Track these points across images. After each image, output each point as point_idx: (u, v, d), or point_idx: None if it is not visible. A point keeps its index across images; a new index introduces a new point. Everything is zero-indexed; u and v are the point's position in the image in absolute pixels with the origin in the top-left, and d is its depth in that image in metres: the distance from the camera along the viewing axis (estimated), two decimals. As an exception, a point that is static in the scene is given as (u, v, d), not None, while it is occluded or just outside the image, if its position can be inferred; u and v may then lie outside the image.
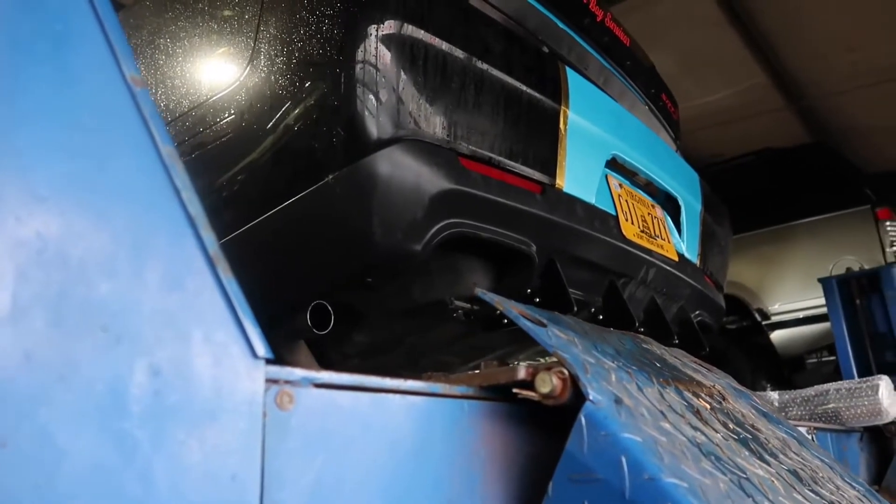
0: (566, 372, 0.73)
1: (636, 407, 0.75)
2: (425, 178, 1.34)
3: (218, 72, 1.53)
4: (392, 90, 1.32)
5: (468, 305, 1.66)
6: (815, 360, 4.49)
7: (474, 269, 1.60)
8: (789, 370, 4.63)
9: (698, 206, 2.28)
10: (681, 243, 2.14)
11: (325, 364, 1.81)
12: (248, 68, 1.46)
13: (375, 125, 1.31)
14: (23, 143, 0.40)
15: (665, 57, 6.07)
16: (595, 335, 1.03)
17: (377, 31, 1.31)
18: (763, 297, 4.64)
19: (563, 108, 1.64)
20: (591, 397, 0.70)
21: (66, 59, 0.43)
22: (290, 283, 1.51)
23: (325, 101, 1.33)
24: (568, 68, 1.72)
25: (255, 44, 1.46)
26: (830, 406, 1.95)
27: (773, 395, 2.10)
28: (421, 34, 1.36)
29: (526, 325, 0.89)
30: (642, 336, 1.49)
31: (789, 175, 4.97)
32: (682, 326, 2.17)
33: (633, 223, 1.85)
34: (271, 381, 0.52)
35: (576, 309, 1.56)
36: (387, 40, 1.31)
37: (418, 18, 1.37)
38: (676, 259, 2.03)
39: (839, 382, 2.08)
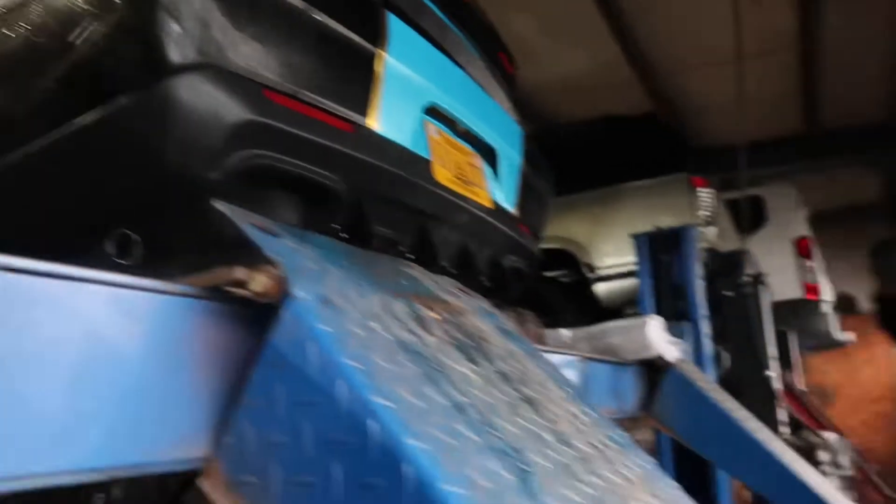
0: (279, 274, 0.79)
1: (345, 307, 0.83)
2: (225, 107, 1.34)
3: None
4: (194, 14, 1.29)
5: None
6: (632, 312, 4.92)
7: (284, 202, 1.61)
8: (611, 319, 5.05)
9: (518, 159, 2.41)
10: (497, 192, 2.26)
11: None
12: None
13: (175, 49, 1.28)
14: None
15: (527, 21, 6.25)
16: (343, 251, 1.09)
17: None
18: (592, 253, 5.01)
19: (380, 51, 1.67)
20: (295, 293, 0.77)
21: None
22: (87, 206, 1.45)
23: (125, 22, 1.29)
24: (391, 14, 1.75)
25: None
26: (611, 341, 2.18)
27: (566, 333, 2.31)
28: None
29: (253, 234, 0.94)
30: (414, 265, 1.58)
31: (623, 142, 5.34)
32: (493, 270, 2.31)
33: (447, 168, 1.94)
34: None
35: (377, 245, 1.62)
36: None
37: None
38: (491, 206, 2.14)
39: (618, 321, 2.33)
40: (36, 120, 1.35)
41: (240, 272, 0.79)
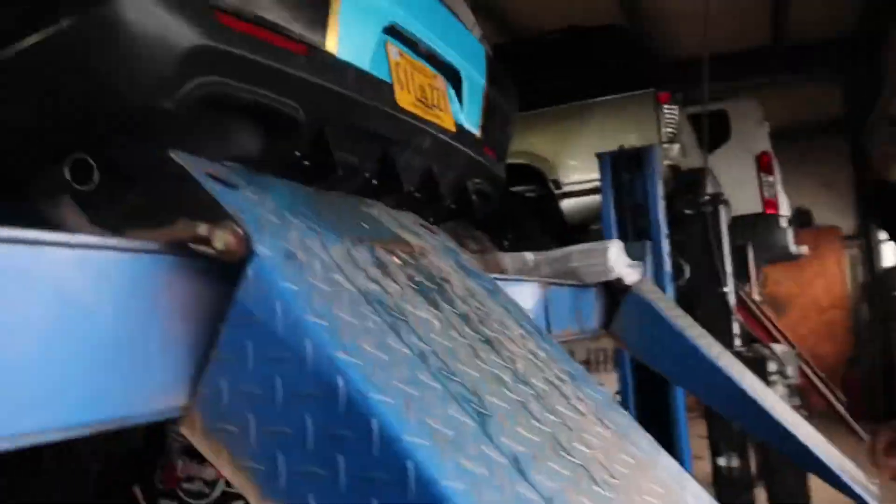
0: (241, 231, 0.79)
1: (309, 261, 0.84)
2: (175, 31, 1.28)
3: None
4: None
5: (239, 167, 1.66)
6: (597, 228, 5.01)
7: (242, 129, 1.58)
8: (575, 235, 5.14)
9: (482, 80, 2.38)
10: (460, 114, 2.24)
11: (100, 224, 1.75)
12: None
13: (116, -33, 1.21)
14: None
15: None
16: (303, 197, 1.10)
17: None
18: (557, 169, 5.02)
19: (336, -31, 1.60)
20: (258, 251, 0.78)
21: None
22: (40, 131, 1.41)
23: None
24: (346, -74, 1.67)
25: None
26: (573, 265, 2.24)
27: (529, 256, 2.36)
28: None
29: (210, 186, 0.93)
30: (376, 203, 1.59)
31: (590, 55, 5.26)
32: (458, 193, 2.33)
33: (409, 92, 1.91)
34: None
35: (341, 172, 1.62)
36: None
37: None
38: (454, 130, 2.13)
39: (580, 245, 2.39)
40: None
41: (202, 228, 0.79)
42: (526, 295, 1.84)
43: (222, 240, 0.79)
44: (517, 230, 4.82)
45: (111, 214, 1.80)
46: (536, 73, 5.00)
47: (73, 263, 0.66)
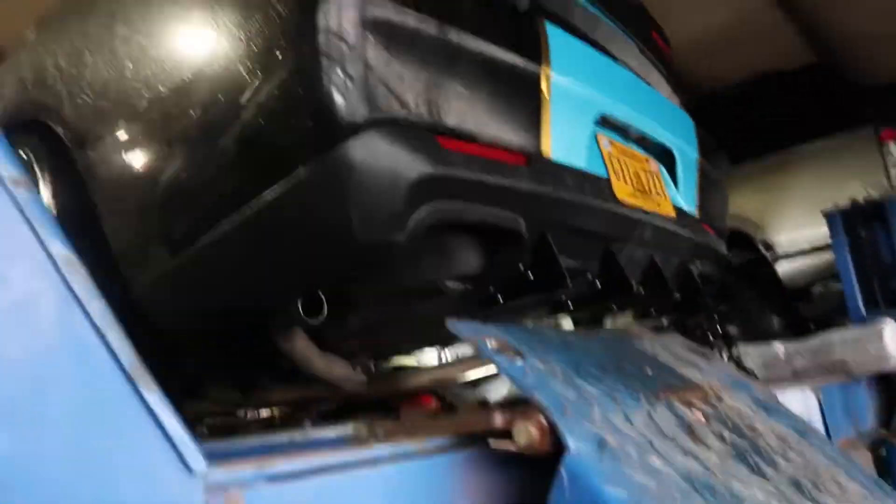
0: (544, 420, 0.69)
1: (622, 445, 0.71)
2: (402, 164, 1.27)
3: (177, 63, 1.44)
4: (357, 73, 1.24)
5: (461, 286, 1.61)
6: (821, 290, 4.47)
7: (463, 247, 1.54)
8: (796, 301, 4.61)
9: (694, 154, 2.20)
10: (677, 196, 2.07)
11: (324, 345, 1.79)
12: (207, 57, 1.37)
13: (343, 110, 1.23)
14: None
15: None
16: (579, 348, 0.99)
17: (338, 9, 1.22)
18: (767, 229, 4.57)
19: (544, 69, 1.55)
20: (570, 448, 0.66)
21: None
22: (275, 278, 1.46)
23: (288, 92, 1.26)
24: (548, 23, 1.62)
25: (213, 30, 1.37)
26: (836, 357, 1.92)
27: (779, 348, 2.07)
28: (387, 7, 1.27)
29: (502, 364, 0.85)
30: (636, 330, 1.45)
31: (789, 99, 4.83)
32: (683, 280, 2.13)
33: (626, 182, 1.79)
34: (215, 488, 0.48)
35: (570, 283, 1.51)
36: (349, 21, 1.22)
37: (382, -8, 1.27)
38: (674, 214, 1.97)
39: (843, 331, 2.05)
40: (227, 199, 1.36)
41: (498, 419, 0.71)
42: (796, 401, 1.58)
43: (525, 434, 0.69)
44: (731, 302, 4.40)
45: (335, 337, 1.84)
46: (727, 128, 4.67)
47: (371, 482, 0.60)
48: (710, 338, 3.25)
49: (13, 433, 0.37)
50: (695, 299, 2.18)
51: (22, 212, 0.41)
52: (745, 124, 4.87)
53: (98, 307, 0.43)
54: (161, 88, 1.45)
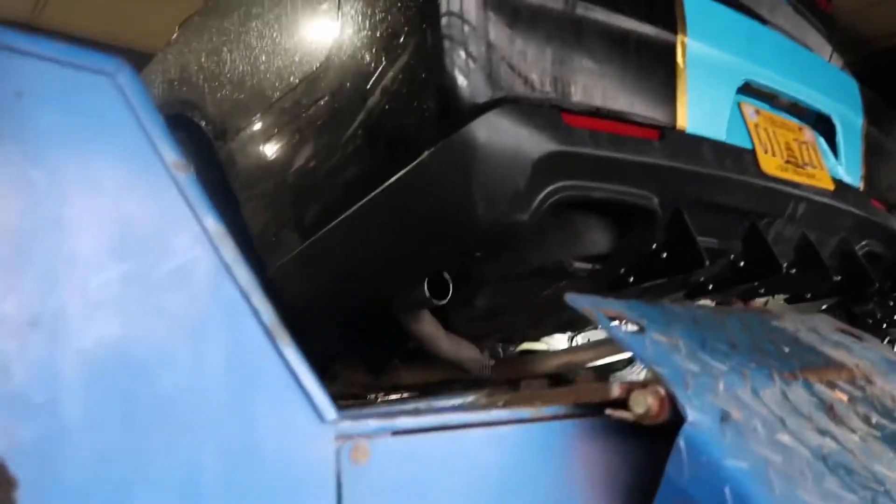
0: (662, 390, 0.71)
1: (748, 420, 0.72)
2: (525, 143, 1.31)
3: (306, 54, 1.56)
4: (479, 53, 1.29)
5: (589, 266, 1.63)
6: None
7: (592, 226, 1.56)
8: None
9: (859, 121, 2.07)
10: (838, 167, 1.96)
11: (451, 328, 1.87)
12: (333, 48, 1.48)
13: (466, 92, 1.29)
14: (77, 250, 0.45)
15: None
16: (709, 324, 0.99)
17: (459, -10, 1.28)
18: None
19: (679, 37, 1.53)
20: (689, 419, 0.68)
21: (105, 155, 0.47)
22: (401, 260, 1.55)
23: (411, 75, 1.33)
24: (683, -13, 1.59)
25: (339, 20, 1.48)
26: None
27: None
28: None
29: (620, 336, 0.87)
30: (778, 310, 1.40)
31: None
32: (844, 261, 2.01)
33: (774, 155, 1.72)
34: (344, 437, 0.55)
35: (707, 263, 1.49)
36: (470, 3, 1.27)
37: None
38: (832, 188, 1.86)
39: None
40: (355, 184, 1.47)
41: (615, 389, 0.75)
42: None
43: (642, 403, 0.73)
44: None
45: (461, 320, 1.91)
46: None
47: (487, 442, 0.66)
48: (884, 326, 3.03)
49: (176, 377, 0.47)
50: (860, 282, 2.05)
51: (181, 191, 0.51)
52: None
53: (243, 272, 0.52)
54: (292, 79, 1.58)
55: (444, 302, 1.56)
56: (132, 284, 0.47)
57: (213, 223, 0.51)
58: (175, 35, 2.17)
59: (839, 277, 1.99)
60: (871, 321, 3.59)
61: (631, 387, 0.74)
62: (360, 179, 1.47)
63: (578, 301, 1.02)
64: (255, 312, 0.52)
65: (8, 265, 0.42)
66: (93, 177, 0.47)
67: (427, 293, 1.52)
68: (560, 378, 1.87)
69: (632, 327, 0.90)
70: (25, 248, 0.43)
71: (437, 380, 2.09)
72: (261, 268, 1.71)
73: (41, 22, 5.27)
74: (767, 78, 1.73)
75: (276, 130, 1.63)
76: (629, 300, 1.11)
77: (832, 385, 0.93)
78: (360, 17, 1.43)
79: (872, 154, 2.10)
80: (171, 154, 0.51)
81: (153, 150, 0.49)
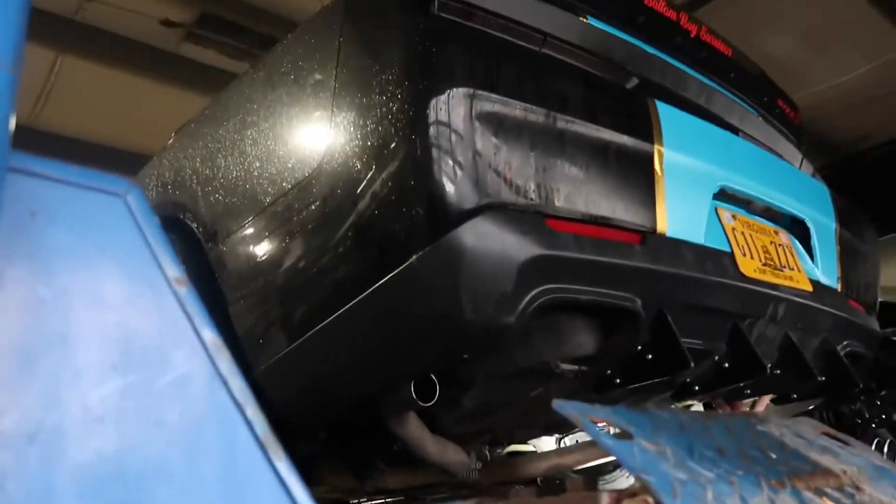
0: (651, 500, 0.71)
1: None
2: (511, 247, 1.35)
3: (299, 161, 1.62)
4: (466, 162, 1.35)
5: (575, 367, 1.65)
6: None
7: (577, 328, 1.59)
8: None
9: (832, 224, 2.14)
10: (815, 269, 2.01)
11: (438, 430, 1.85)
12: (325, 155, 1.54)
13: (453, 198, 1.34)
14: (81, 365, 0.46)
15: (787, 39, 5.75)
16: (696, 430, 1.00)
17: (447, 104, 1.35)
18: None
19: (656, 147, 1.61)
20: None
21: (112, 272, 0.50)
22: (388, 362, 1.56)
23: (400, 182, 1.38)
24: (658, 102, 1.68)
25: (331, 129, 1.55)
26: None
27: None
28: (493, 99, 1.38)
29: (607, 443, 0.88)
30: (756, 415, 1.42)
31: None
32: (827, 361, 2.03)
33: (752, 257, 1.77)
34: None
35: (692, 364, 1.50)
36: (457, 114, 1.34)
37: (489, 84, 1.39)
38: (810, 289, 1.91)
39: None
40: (344, 286, 1.49)
41: (605, 500, 0.75)
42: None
43: None
44: (891, 384, 4.06)
45: (448, 422, 1.90)
46: (875, 193, 4.44)
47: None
48: (872, 426, 3.02)
49: (171, 489, 0.47)
50: (845, 382, 2.07)
51: (182, 305, 0.53)
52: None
53: (238, 384, 0.53)
54: (284, 184, 1.63)
55: (431, 404, 1.56)
56: (132, 397, 0.48)
57: (210, 335, 0.53)
58: (171, 140, 2.24)
59: (823, 378, 2.01)
60: (859, 421, 3.58)
61: (620, 496, 0.74)
62: (348, 281, 1.49)
63: (566, 407, 1.03)
64: (249, 424, 0.53)
65: (12, 381, 0.44)
66: (99, 292, 0.49)
67: (414, 395, 1.52)
68: (549, 482, 1.84)
69: (619, 435, 0.91)
70: (30, 364, 0.44)
71: (423, 483, 2.04)
72: (246, 369, 1.71)
73: (39, 123, 5.40)
74: (741, 184, 1.81)
75: (267, 233, 1.67)
76: (616, 406, 1.12)
77: (820, 492, 0.93)
78: (351, 127, 1.50)
79: (847, 256, 2.17)
80: (173, 269, 0.54)
81: (157, 266, 0.52)
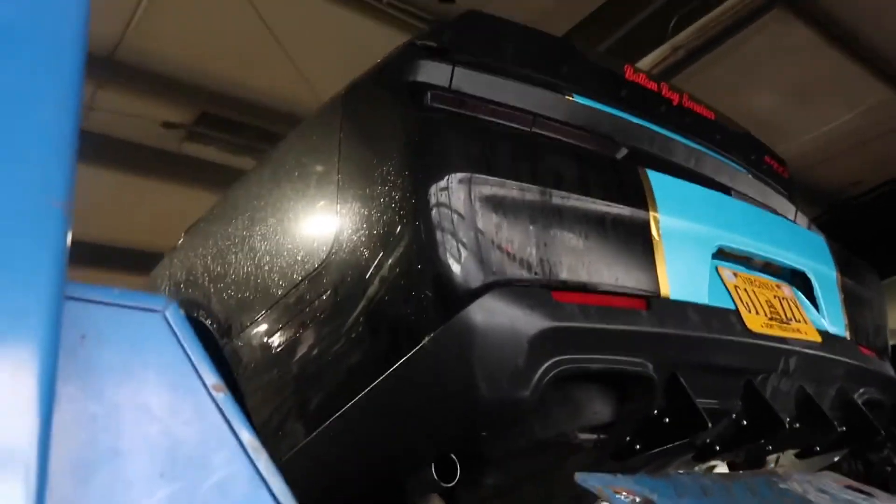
0: None
1: None
2: (520, 322, 1.39)
3: (308, 253, 1.68)
4: (470, 243, 1.40)
5: (594, 436, 1.65)
6: None
7: (592, 397, 1.60)
8: None
9: (832, 272, 2.17)
10: (821, 319, 2.03)
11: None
12: (333, 246, 1.59)
13: (460, 278, 1.38)
14: (132, 476, 0.49)
15: (770, 94, 5.93)
16: (718, 493, 1.01)
17: (447, 189, 1.41)
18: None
19: (651, 213, 1.66)
20: None
21: (156, 384, 0.53)
22: (407, 443, 1.56)
23: (408, 266, 1.43)
24: (649, 171, 1.75)
25: (337, 221, 1.60)
26: None
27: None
28: (490, 181, 1.44)
29: None
30: (780, 473, 1.42)
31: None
32: (846, 411, 2.03)
33: (758, 313, 1.80)
34: None
35: (710, 424, 1.51)
36: (457, 197, 1.40)
37: (485, 166, 1.46)
38: (819, 339, 1.93)
39: None
40: (359, 372, 1.51)
41: None
42: None
43: None
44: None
45: (471, 500, 1.88)
46: (877, 236, 4.49)
47: None
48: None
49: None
50: (865, 431, 2.06)
51: (221, 411, 0.56)
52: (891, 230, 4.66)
53: (277, 483, 0.56)
54: (295, 277, 1.68)
55: (453, 484, 1.55)
56: (180, 503, 0.51)
57: (248, 437, 0.56)
58: (181, 240, 2.30)
59: (844, 428, 2.00)
60: (889, 468, 3.51)
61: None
62: (363, 367, 1.52)
63: (589, 480, 1.04)
64: (290, 525, 0.56)
65: (70, 496, 0.46)
66: (145, 404, 0.52)
67: (435, 476, 1.53)
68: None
69: (641, 501, 0.92)
70: (87, 478, 0.47)
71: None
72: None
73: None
74: (738, 242, 1.85)
75: (280, 325, 1.71)
76: (637, 475, 1.13)
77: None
78: (356, 217, 1.56)
79: (852, 303, 2.19)
80: (211, 377, 0.57)
81: (196, 374, 0.55)
